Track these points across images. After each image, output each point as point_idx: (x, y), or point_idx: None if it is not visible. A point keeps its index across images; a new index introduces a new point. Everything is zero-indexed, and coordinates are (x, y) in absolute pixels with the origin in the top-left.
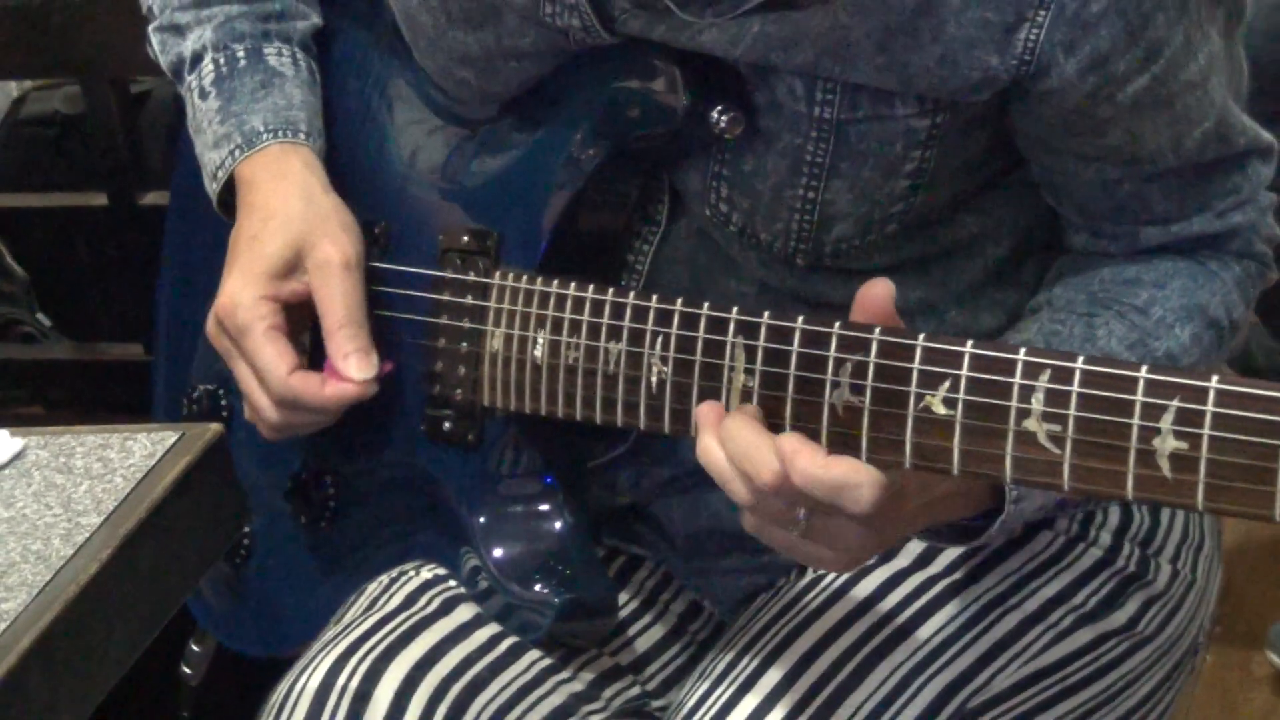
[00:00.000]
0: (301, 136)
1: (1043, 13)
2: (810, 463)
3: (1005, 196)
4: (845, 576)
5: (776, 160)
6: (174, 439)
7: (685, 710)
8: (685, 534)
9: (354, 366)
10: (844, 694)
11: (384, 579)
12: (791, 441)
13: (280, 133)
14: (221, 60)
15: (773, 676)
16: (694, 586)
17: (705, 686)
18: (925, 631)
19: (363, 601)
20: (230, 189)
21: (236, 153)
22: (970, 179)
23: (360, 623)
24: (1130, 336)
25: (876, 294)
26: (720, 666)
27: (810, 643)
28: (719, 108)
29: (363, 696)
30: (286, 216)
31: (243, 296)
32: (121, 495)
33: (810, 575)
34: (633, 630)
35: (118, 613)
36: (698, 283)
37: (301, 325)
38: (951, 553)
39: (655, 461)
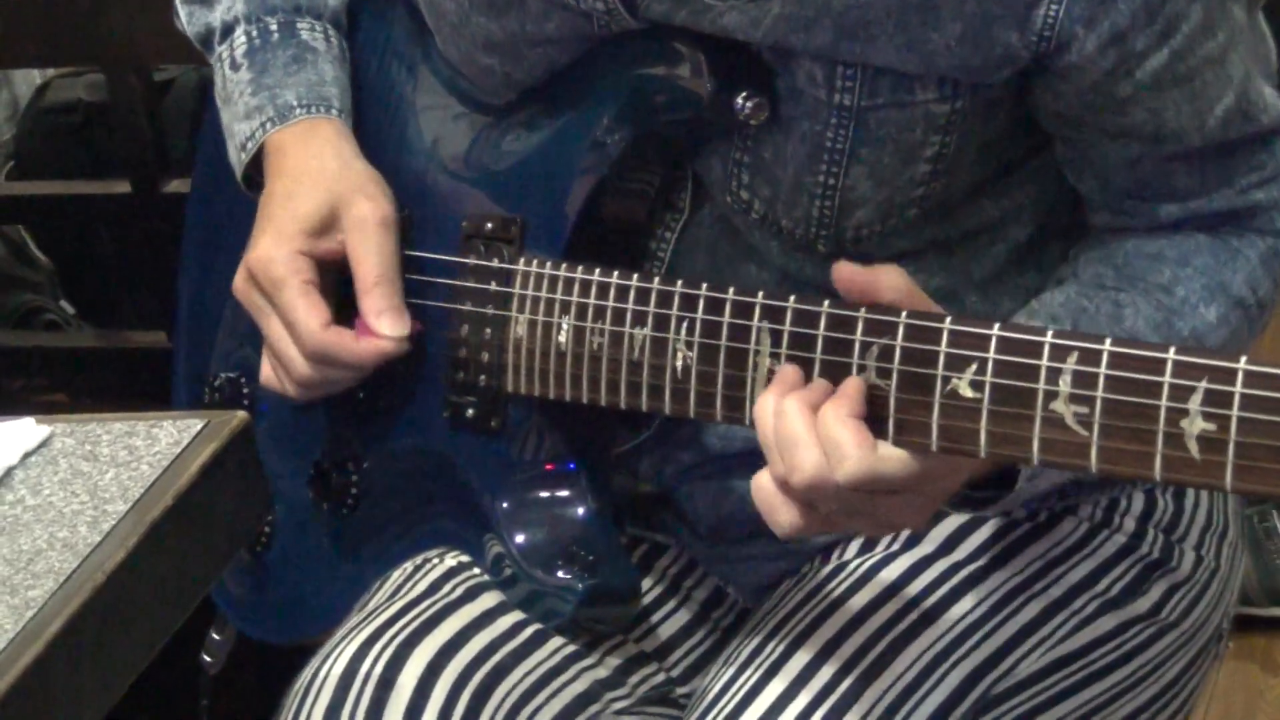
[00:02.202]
0: (334, 112)
1: None
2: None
3: (1025, 180)
4: (870, 563)
5: (796, 147)
6: (200, 426)
7: (711, 696)
8: (709, 521)
9: (386, 324)
10: (868, 680)
11: (408, 566)
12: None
13: (314, 108)
14: (254, 32)
15: (798, 662)
16: (718, 573)
17: (731, 672)
18: (949, 618)
19: (387, 588)
20: (255, 163)
21: (268, 125)
22: (989, 163)
23: (384, 609)
24: (1156, 317)
25: (889, 283)
26: (746, 652)
27: (835, 629)
28: (744, 94)
29: (386, 683)
30: (321, 174)
31: (278, 252)
32: (148, 482)
33: (835, 562)
34: (656, 617)
35: (144, 600)
36: (720, 270)
37: (333, 286)
38: (975, 539)
39: (679, 448)
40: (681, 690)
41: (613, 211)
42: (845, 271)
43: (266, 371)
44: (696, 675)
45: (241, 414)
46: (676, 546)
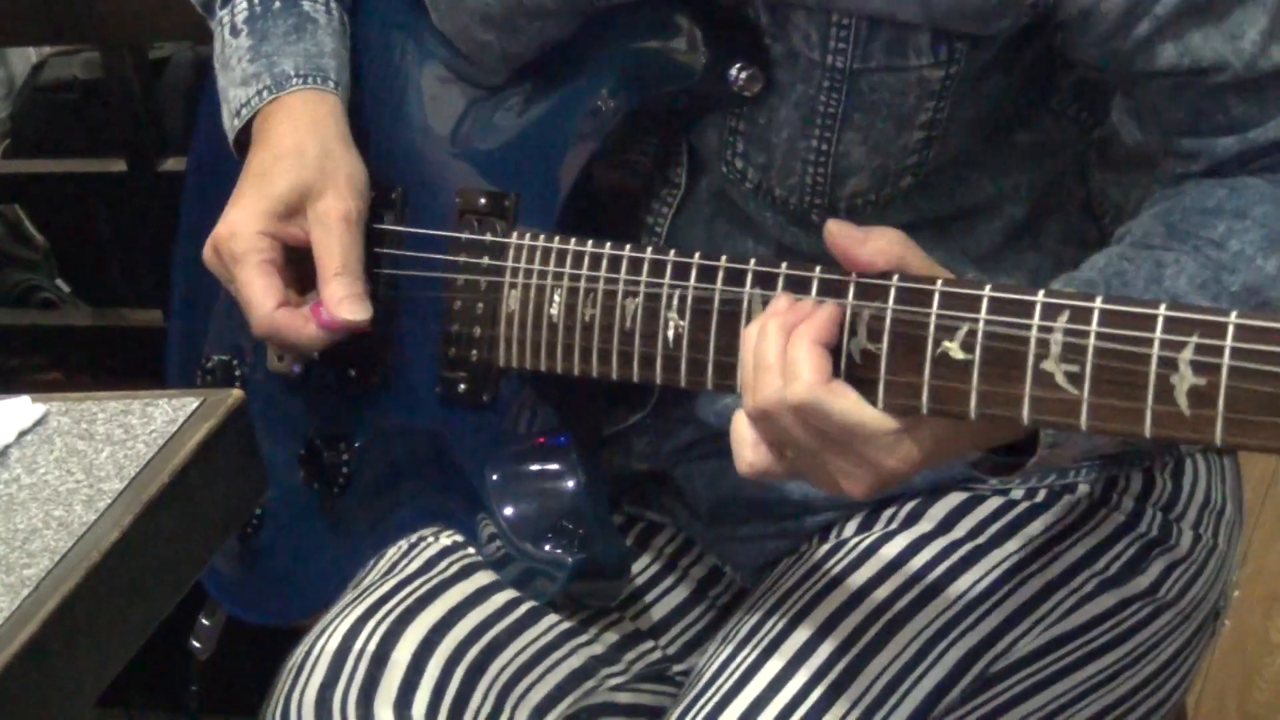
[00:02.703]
0: (331, 85)
1: None
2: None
3: (1022, 158)
4: (868, 541)
5: (790, 112)
6: (195, 405)
7: (709, 674)
8: (707, 500)
9: (347, 309)
10: (866, 659)
11: (403, 544)
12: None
13: (310, 79)
14: None
15: (796, 640)
16: (715, 553)
17: (729, 650)
18: (947, 596)
19: (381, 566)
20: (247, 128)
21: (265, 93)
22: (983, 133)
23: (378, 586)
24: (1202, 274)
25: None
26: (744, 630)
27: (832, 608)
28: (738, 65)
29: (381, 659)
30: (298, 158)
31: (242, 227)
32: (143, 461)
33: (833, 540)
34: (652, 595)
35: (140, 578)
36: (717, 245)
37: (295, 265)
38: (974, 517)
39: (675, 428)
40: (678, 668)
41: (607, 186)
42: (835, 228)
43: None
44: (692, 653)
45: (237, 392)
46: (674, 526)
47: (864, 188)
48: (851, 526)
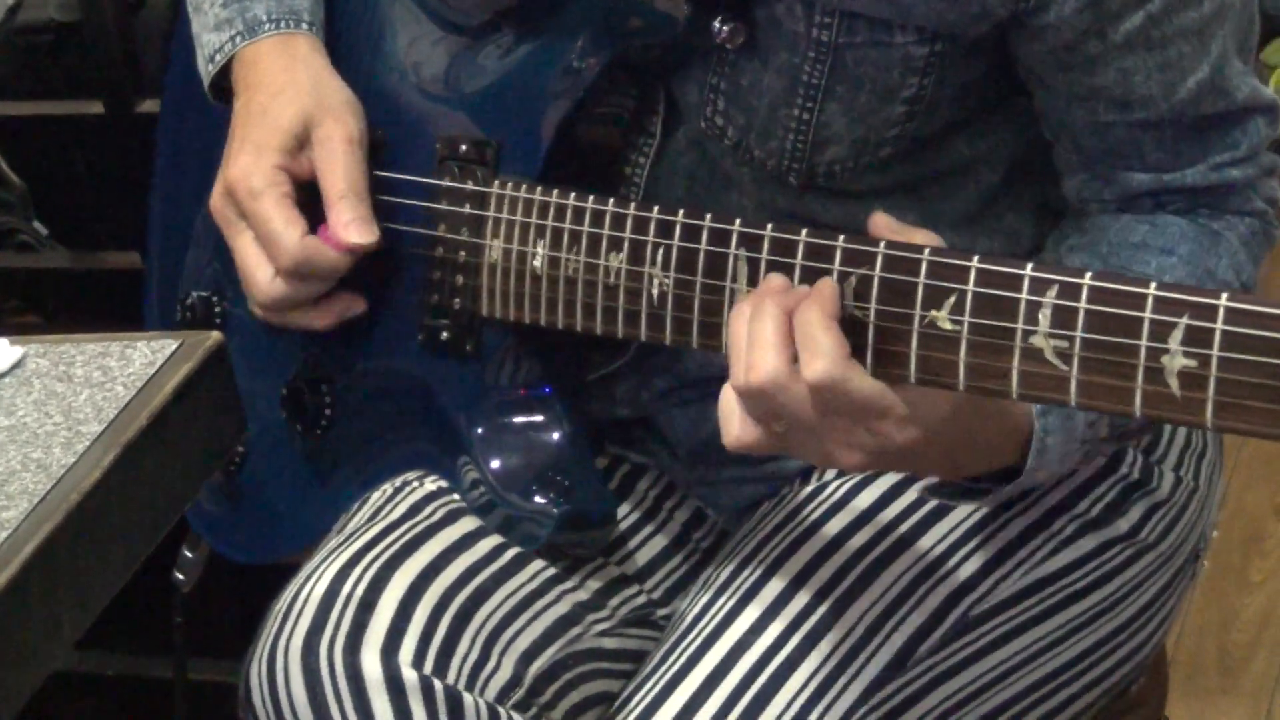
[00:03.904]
0: (305, 26)
1: None
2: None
3: (1000, 122)
4: (848, 486)
5: (773, 78)
6: (174, 347)
7: (688, 620)
8: (688, 444)
9: (354, 232)
10: (846, 603)
11: (387, 488)
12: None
13: (283, 22)
14: None
15: (774, 588)
16: (697, 496)
17: (707, 597)
18: (928, 540)
19: (366, 510)
20: (224, 72)
21: (238, 39)
22: (966, 105)
23: (364, 531)
24: None
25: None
26: (722, 577)
27: (812, 553)
28: (720, 18)
29: (367, 605)
30: (296, 90)
31: (256, 165)
32: (122, 403)
33: (814, 484)
34: (636, 539)
35: (119, 521)
36: (696, 196)
37: (305, 202)
38: None
39: (655, 374)
40: (662, 612)
41: (588, 135)
42: (881, 221)
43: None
44: (676, 597)
45: (216, 334)
46: (656, 469)
47: (843, 155)
48: (832, 470)
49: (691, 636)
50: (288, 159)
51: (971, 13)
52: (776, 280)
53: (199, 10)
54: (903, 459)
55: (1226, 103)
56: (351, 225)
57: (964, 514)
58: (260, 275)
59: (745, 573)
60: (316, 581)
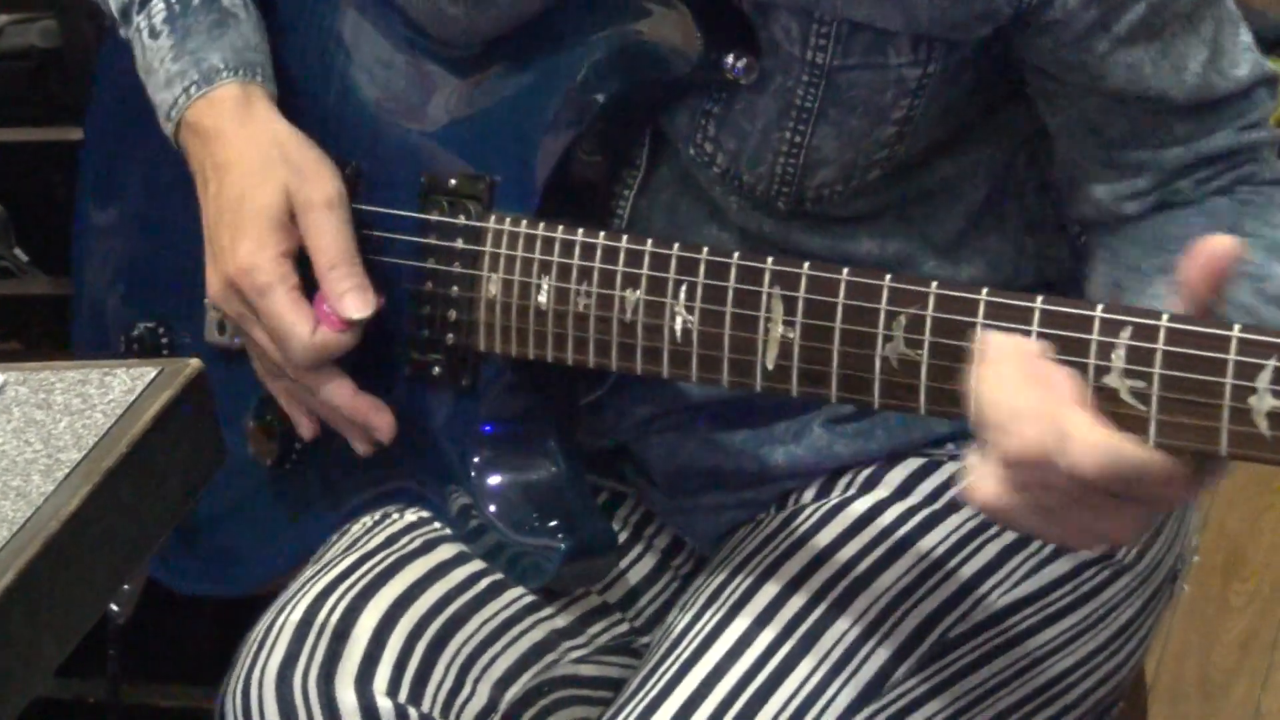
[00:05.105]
0: (259, 79)
1: None
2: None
3: (982, 139)
4: (826, 507)
5: (768, 102)
6: (153, 374)
7: (675, 634)
8: (664, 472)
9: (350, 305)
10: (826, 624)
11: (367, 520)
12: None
13: (240, 72)
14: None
15: (761, 600)
16: (674, 524)
17: (694, 610)
18: (905, 562)
19: (344, 540)
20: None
21: (192, 89)
22: (950, 124)
23: (340, 561)
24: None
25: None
26: (708, 591)
27: (793, 572)
28: (733, 53)
29: (341, 634)
30: (267, 164)
31: (259, 258)
32: (102, 431)
33: (791, 507)
34: (619, 567)
35: (99, 548)
36: (681, 230)
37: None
38: (932, 482)
39: (634, 402)
40: (642, 639)
41: (584, 169)
42: None
43: (261, 371)
44: (657, 624)
45: (195, 362)
46: (634, 496)
47: (832, 179)
48: (810, 493)
49: (681, 647)
50: (286, 240)
51: (976, 11)
52: (1009, 343)
53: (150, 73)
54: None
55: (1235, 81)
56: (346, 298)
57: (941, 536)
58: (299, 341)
59: (733, 585)
60: (291, 611)
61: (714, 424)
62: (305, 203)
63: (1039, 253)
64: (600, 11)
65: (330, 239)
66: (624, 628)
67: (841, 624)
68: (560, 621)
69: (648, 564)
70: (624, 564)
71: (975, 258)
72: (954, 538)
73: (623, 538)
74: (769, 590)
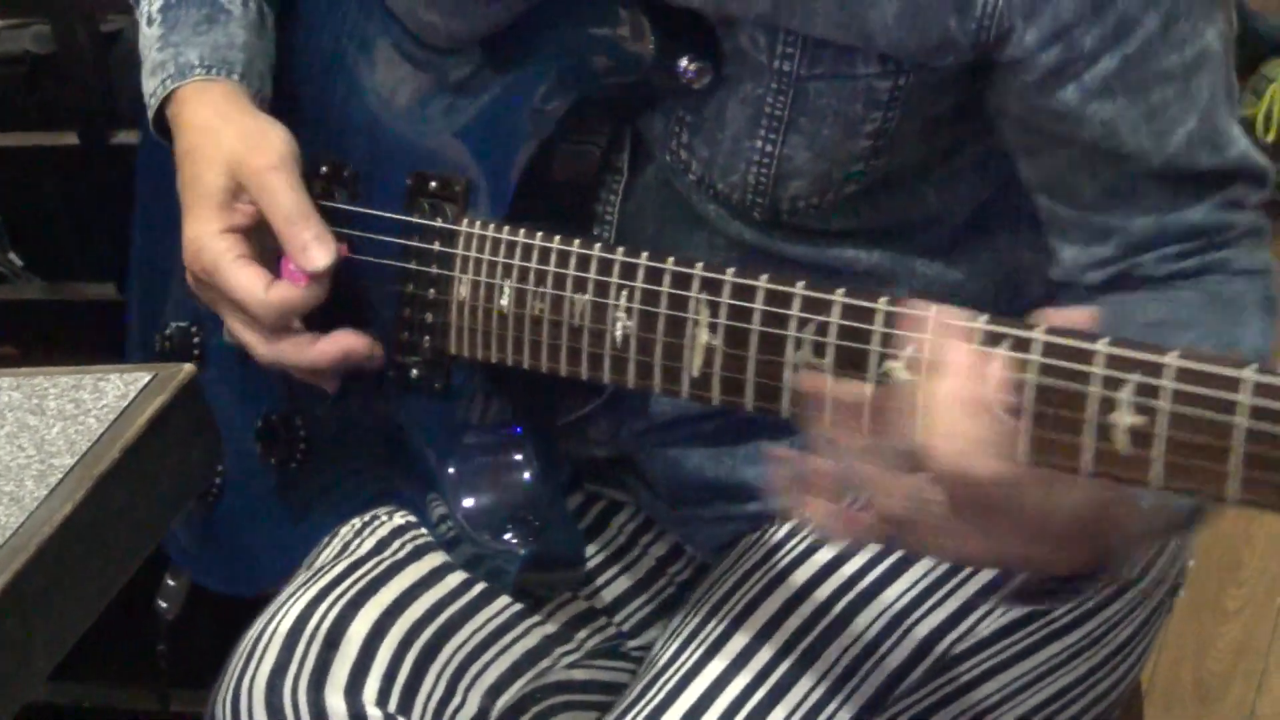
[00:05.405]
0: (235, 77)
1: None
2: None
3: (967, 171)
4: None
5: (737, 109)
6: (147, 379)
7: (655, 669)
8: (667, 484)
9: (314, 256)
10: (819, 650)
11: (355, 523)
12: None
13: (214, 70)
14: None
15: (739, 641)
16: (676, 533)
17: (675, 646)
18: (907, 579)
19: (334, 545)
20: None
21: (168, 82)
22: (931, 146)
23: (331, 568)
24: None
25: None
26: (689, 628)
27: (784, 599)
28: (687, 57)
29: (332, 643)
30: (214, 146)
31: (202, 238)
32: (95, 436)
33: (794, 523)
34: (611, 572)
35: (92, 554)
36: (667, 234)
37: (272, 245)
38: None
39: (631, 416)
40: (633, 643)
41: (557, 174)
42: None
43: (229, 337)
44: (649, 629)
45: (188, 367)
46: (634, 505)
47: (806, 191)
48: None
49: (659, 685)
50: (227, 217)
51: (933, 40)
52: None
53: (144, 59)
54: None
55: (1221, 158)
56: (309, 249)
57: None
58: (252, 337)
59: (711, 624)
60: (282, 619)
61: (719, 437)
62: (251, 171)
63: (1036, 266)
64: (563, 17)
65: (280, 197)
66: (611, 631)
67: (839, 645)
68: (551, 627)
69: (641, 570)
70: (613, 572)
71: (961, 263)
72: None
73: (615, 547)
74: (750, 628)
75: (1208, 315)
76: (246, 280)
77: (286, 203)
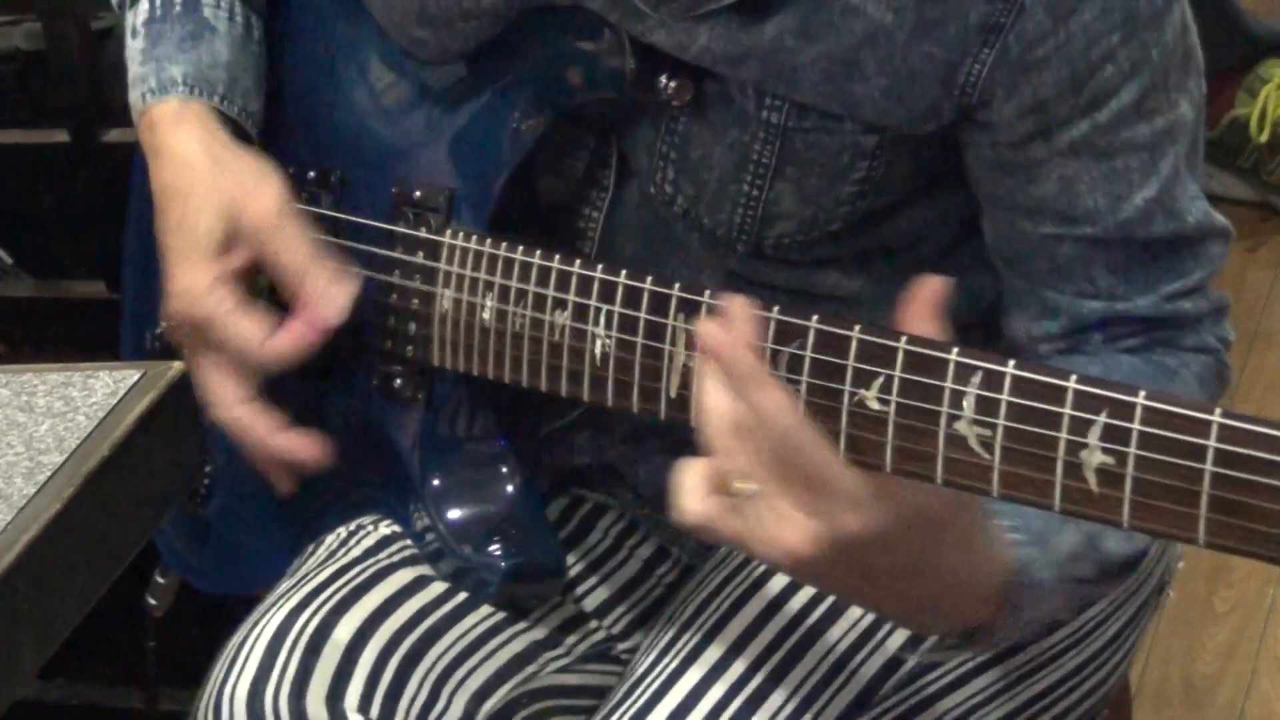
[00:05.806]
0: (216, 99)
1: (986, 50)
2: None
3: (950, 189)
4: None
5: (724, 154)
6: (136, 377)
7: (634, 677)
8: (653, 490)
9: (336, 295)
10: (796, 657)
11: (341, 531)
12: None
13: (195, 90)
14: (158, 1)
15: (715, 651)
16: (662, 537)
17: (652, 656)
18: None
19: (320, 553)
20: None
21: (149, 95)
22: (917, 182)
23: (315, 575)
24: None
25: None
26: (667, 637)
27: (759, 609)
28: (666, 74)
29: (314, 649)
30: (207, 189)
31: (194, 290)
32: (84, 434)
33: None
34: (597, 576)
35: (80, 551)
36: (650, 252)
37: (260, 282)
38: None
39: (615, 422)
40: (622, 646)
41: (539, 188)
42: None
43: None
44: (637, 631)
45: (178, 364)
46: (619, 508)
47: (792, 230)
48: None
49: (638, 693)
50: (220, 265)
51: (920, 110)
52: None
53: (129, 69)
54: (849, 556)
55: (1177, 225)
56: (330, 291)
57: None
58: (230, 395)
59: (689, 632)
60: (265, 626)
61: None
62: (255, 220)
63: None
64: (547, 32)
65: (291, 252)
66: (601, 635)
67: (817, 652)
68: (538, 633)
69: (628, 572)
70: (601, 574)
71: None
72: None
73: (601, 550)
74: (727, 637)
75: (1143, 381)
76: (247, 331)
77: (299, 255)
